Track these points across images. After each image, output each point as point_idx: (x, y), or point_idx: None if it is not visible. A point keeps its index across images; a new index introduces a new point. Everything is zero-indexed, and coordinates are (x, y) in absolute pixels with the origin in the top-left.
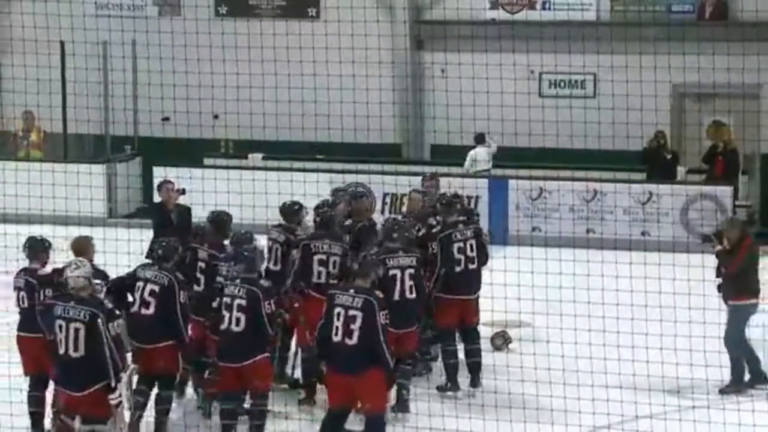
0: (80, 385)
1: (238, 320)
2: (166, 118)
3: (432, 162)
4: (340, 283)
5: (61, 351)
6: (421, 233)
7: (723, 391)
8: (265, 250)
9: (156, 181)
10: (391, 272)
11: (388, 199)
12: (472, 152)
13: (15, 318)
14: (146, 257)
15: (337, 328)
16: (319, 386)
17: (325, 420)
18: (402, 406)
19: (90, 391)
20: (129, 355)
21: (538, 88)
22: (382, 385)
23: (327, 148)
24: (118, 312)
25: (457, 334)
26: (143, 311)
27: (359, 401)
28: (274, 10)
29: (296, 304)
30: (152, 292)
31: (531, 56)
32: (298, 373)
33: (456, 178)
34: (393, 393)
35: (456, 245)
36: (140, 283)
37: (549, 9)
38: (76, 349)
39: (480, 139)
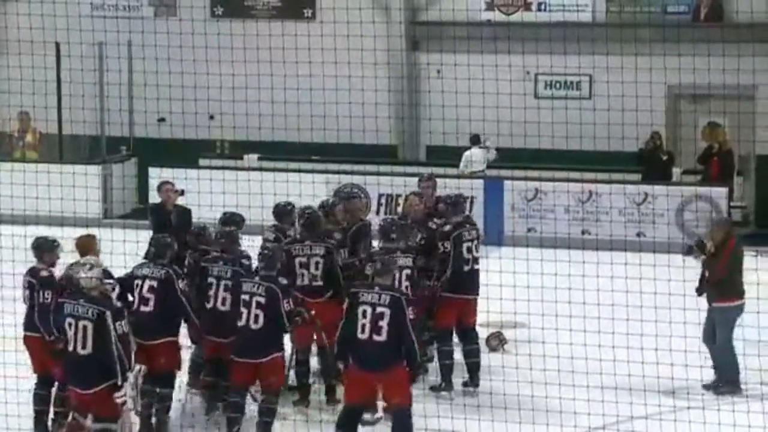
0: (88, 383)
1: (256, 317)
2: (162, 119)
3: (427, 163)
4: (356, 282)
5: (70, 348)
6: (419, 238)
7: (718, 392)
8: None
9: (151, 182)
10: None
11: (383, 200)
12: (467, 153)
13: (13, 318)
14: (144, 257)
15: (363, 325)
16: (313, 388)
17: (341, 416)
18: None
19: (98, 390)
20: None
21: (533, 89)
22: (407, 380)
23: (322, 149)
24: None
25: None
26: (142, 308)
27: (385, 397)
28: (269, 10)
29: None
30: (150, 288)
31: (527, 57)
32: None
33: (452, 179)
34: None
35: (465, 245)
36: (138, 281)
37: (544, 10)
38: (84, 347)
39: (475, 140)
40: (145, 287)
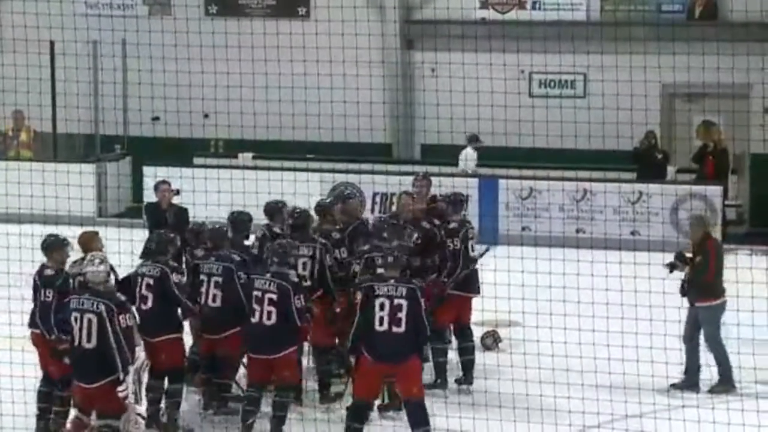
0: (92, 378)
1: (269, 314)
2: (156, 118)
3: (422, 161)
4: (366, 276)
5: (76, 342)
6: (415, 237)
7: (712, 391)
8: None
9: (146, 181)
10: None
11: (378, 199)
12: (464, 152)
13: (7, 317)
14: (140, 256)
15: (381, 318)
16: (306, 387)
17: (351, 412)
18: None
19: (101, 384)
20: (140, 350)
21: (528, 87)
22: (421, 372)
23: (317, 148)
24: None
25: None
26: (143, 306)
27: (401, 389)
28: (264, 9)
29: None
30: (148, 286)
31: (521, 56)
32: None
33: (446, 177)
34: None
35: (470, 242)
36: (138, 279)
37: (539, 9)
38: (89, 340)
39: (473, 139)
40: (144, 286)
